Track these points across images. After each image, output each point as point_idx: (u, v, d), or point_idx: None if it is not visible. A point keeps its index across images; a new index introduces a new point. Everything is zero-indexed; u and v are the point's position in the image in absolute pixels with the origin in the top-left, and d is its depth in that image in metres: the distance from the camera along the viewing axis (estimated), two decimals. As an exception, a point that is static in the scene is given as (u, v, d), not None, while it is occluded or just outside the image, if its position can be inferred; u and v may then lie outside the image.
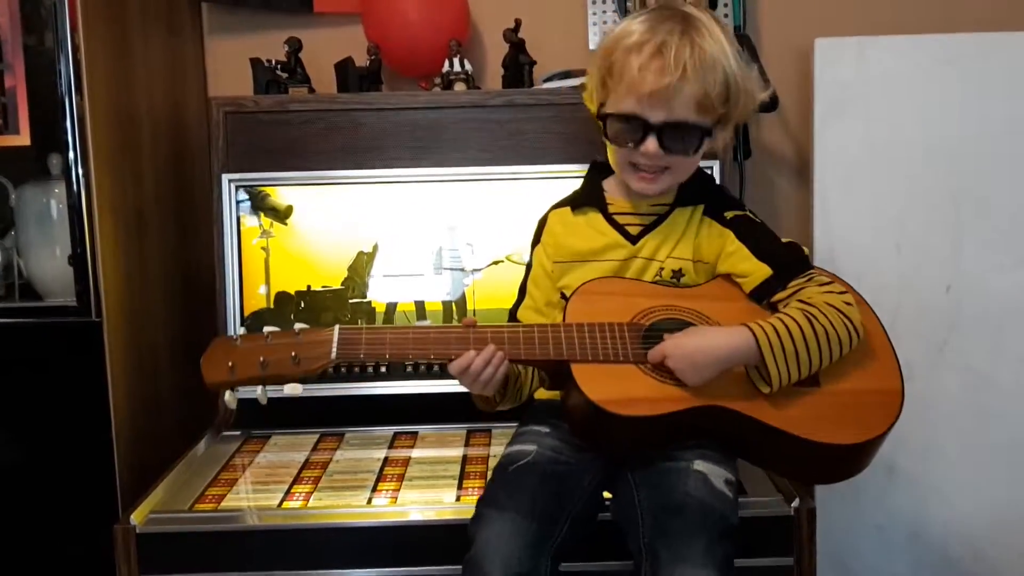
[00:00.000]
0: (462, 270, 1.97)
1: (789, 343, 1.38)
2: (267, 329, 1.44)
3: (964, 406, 2.13)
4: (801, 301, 1.43)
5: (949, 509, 2.15)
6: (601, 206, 1.57)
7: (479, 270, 1.97)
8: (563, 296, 1.54)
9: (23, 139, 1.85)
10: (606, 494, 1.50)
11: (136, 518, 1.54)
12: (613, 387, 1.39)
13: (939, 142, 2.11)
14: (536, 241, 1.63)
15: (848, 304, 1.43)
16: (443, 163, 1.98)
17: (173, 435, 2.03)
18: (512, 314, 1.62)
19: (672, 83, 1.40)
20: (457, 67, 2.09)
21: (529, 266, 1.64)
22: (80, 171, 1.78)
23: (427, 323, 1.95)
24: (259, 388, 1.44)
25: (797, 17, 2.29)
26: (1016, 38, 2.10)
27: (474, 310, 1.96)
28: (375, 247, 1.97)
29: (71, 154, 1.78)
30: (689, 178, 1.54)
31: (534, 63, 2.13)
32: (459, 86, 2.08)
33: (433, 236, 1.98)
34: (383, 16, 2.17)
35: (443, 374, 1.56)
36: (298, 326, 1.44)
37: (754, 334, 1.38)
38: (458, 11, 2.19)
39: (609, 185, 1.60)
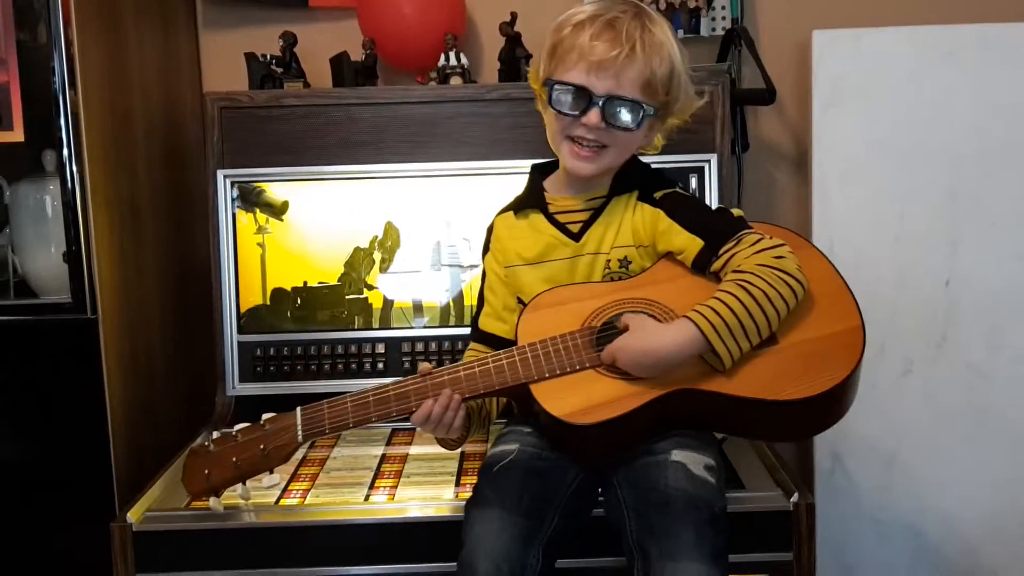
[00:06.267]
0: (460, 266, 1.97)
1: (733, 319, 1.36)
2: (237, 427, 1.48)
3: (963, 400, 2.13)
4: (734, 272, 1.41)
5: (948, 503, 2.15)
6: (542, 206, 1.58)
7: (476, 266, 1.96)
8: (520, 302, 1.55)
9: (17, 135, 1.84)
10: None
11: (133, 516, 1.53)
12: (574, 398, 1.40)
13: (938, 134, 2.10)
14: (486, 249, 1.65)
15: (779, 257, 1.41)
16: (439, 158, 1.97)
17: (170, 432, 2.02)
18: (474, 323, 1.65)
19: (621, 56, 1.43)
20: (453, 61, 2.08)
21: (484, 274, 1.65)
22: (74, 167, 1.77)
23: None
24: (239, 487, 1.49)
25: (795, 9, 2.28)
26: (1015, 29, 2.09)
27: (471, 306, 1.95)
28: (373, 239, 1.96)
29: (65, 150, 1.77)
30: (622, 167, 1.55)
31: (530, 57, 2.12)
32: (455, 80, 2.07)
33: (430, 232, 1.97)
34: (378, 10, 2.16)
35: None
36: (264, 416, 1.48)
37: (696, 324, 1.37)
38: (454, 5, 2.18)
39: (549, 184, 1.61)
